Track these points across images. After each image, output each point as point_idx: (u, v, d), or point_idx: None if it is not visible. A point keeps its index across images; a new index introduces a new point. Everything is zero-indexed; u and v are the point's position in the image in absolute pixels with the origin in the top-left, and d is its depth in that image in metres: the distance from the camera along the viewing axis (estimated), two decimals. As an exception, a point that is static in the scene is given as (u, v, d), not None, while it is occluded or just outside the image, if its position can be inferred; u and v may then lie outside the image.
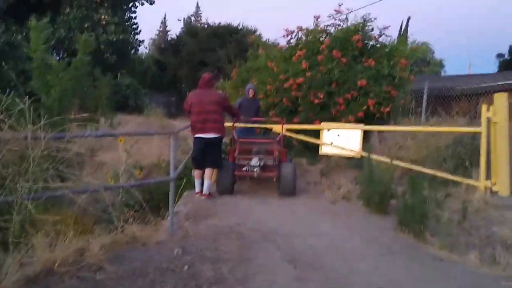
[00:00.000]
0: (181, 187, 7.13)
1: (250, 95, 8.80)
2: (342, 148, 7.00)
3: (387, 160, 6.19)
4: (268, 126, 7.58)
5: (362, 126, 7.05)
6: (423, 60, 24.28)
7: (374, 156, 6.31)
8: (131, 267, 3.68)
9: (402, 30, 20.89)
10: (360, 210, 5.93)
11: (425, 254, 4.27)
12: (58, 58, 21.17)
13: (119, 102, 20.81)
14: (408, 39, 20.41)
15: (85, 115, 13.22)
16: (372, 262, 4.05)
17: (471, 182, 6.42)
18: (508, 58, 33.95)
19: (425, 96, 8.86)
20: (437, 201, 4.98)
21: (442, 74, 28.13)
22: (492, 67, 38.97)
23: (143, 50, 42.13)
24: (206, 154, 6.51)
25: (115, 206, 6.87)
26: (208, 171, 6.53)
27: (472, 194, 6.37)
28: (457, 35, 66.30)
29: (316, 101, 9.21)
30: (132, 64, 26.15)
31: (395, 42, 11.23)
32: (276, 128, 7.53)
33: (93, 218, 5.37)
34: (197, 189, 6.67)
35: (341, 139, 7.04)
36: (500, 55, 35.43)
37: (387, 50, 9.76)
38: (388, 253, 4.29)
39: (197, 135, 6.49)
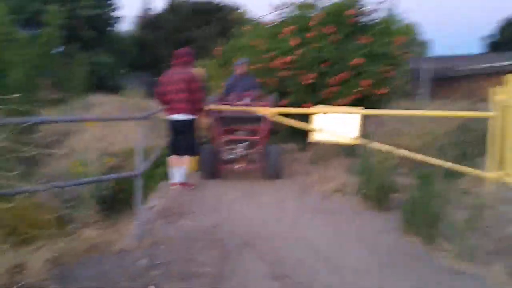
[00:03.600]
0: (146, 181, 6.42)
1: (238, 72, 7.68)
2: (337, 135, 6.27)
3: (389, 148, 5.48)
4: (253, 109, 6.79)
5: (362, 110, 6.30)
6: (411, 40, 23.61)
7: (375, 144, 5.61)
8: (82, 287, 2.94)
9: (391, 10, 20.05)
10: (356, 206, 5.24)
11: (438, 265, 3.60)
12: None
13: (96, 82, 19.73)
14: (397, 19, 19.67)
15: (52, 96, 12.30)
16: (373, 277, 3.37)
17: (479, 173, 5.77)
18: (497, 39, 33.52)
19: (425, 77, 8.14)
20: (449, 198, 4.31)
21: (428, 55, 27.51)
22: (475, 49, 38.63)
23: (125, 27, 40.57)
24: (180, 138, 5.89)
25: (78, 201, 6.12)
26: (182, 158, 5.92)
27: (478, 187, 5.74)
28: (441, 16, 65.76)
29: (306, 82, 8.47)
30: (112, 42, 24.88)
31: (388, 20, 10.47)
32: (263, 111, 6.75)
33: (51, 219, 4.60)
34: (172, 180, 5.93)
35: (336, 124, 6.30)
36: (487, 37, 35.04)
37: (382, 26, 9.02)
38: (393, 263, 3.62)
39: (168, 117, 5.87)
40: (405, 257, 3.74)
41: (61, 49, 18.62)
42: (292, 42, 8.79)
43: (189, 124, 5.82)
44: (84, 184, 4.11)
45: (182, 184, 5.92)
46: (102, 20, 22.76)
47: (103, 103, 14.23)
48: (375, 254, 3.80)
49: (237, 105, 6.84)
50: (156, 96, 6.03)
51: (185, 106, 5.71)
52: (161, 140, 7.93)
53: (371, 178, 5.17)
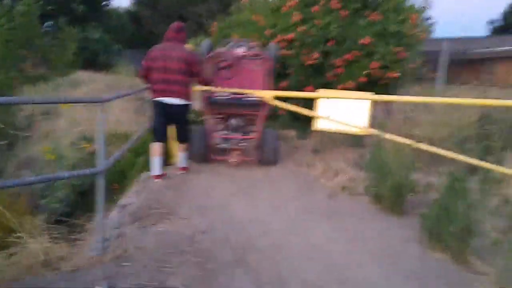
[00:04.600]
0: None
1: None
2: (344, 123, 5.50)
3: (406, 141, 4.71)
4: (251, 92, 6.03)
5: (372, 95, 5.51)
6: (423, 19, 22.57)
7: (389, 135, 4.84)
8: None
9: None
10: (368, 207, 4.50)
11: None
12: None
13: (87, 58, 18.82)
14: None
15: (37, 72, 11.46)
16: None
17: (506, 170, 5.01)
18: (503, 23, 32.86)
19: (443, 59, 7.31)
20: (484, 204, 3.57)
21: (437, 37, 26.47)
22: (482, 32, 37.83)
23: (120, 3, 39.36)
24: (170, 123, 5.23)
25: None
26: (182, 144, 5.42)
27: (504, 187, 4.98)
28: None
29: (309, 62, 7.67)
30: (106, 18, 23.76)
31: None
32: (260, 94, 5.98)
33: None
34: (154, 171, 5.19)
35: (342, 111, 5.53)
36: (492, 22, 34.33)
37: (395, 2, 8.15)
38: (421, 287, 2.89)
39: (157, 99, 5.01)
40: (432, 279, 3.01)
41: (49, 23, 17.67)
42: (295, 18, 7.97)
43: (185, 109, 5.14)
44: (29, 184, 3.29)
45: (183, 168, 5.52)
46: (95, -6, 21.69)
47: (91, 81, 13.41)
48: (397, 272, 3.06)
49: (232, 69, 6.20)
50: (141, 73, 5.18)
51: (182, 90, 4.99)
52: (144, 124, 7.18)
53: (384, 175, 4.42)
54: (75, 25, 18.79)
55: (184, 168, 5.55)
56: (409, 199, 4.39)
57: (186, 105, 5.09)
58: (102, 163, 3.01)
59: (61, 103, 4.68)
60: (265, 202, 4.49)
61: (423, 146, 4.79)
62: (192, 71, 5.04)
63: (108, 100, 3.30)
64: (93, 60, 19.08)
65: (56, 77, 12.21)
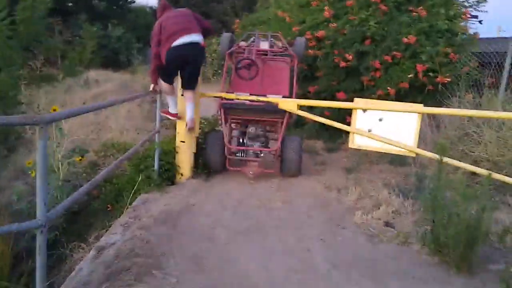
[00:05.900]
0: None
1: None
2: (386, 141, 4.40)
3: (474, 168, 3.59)
4: (272, 99, 5.06)
5: (421, 108, 4.39)
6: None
7: (451, 161, 3.72)
8: None
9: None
10: (421, 259, 3.37)
11: None
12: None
13: (107, 57, 18.13)
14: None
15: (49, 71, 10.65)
16: None
17: None
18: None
19: (508, 60, 6.08)
20: None
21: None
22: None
23: (144, 1, 38.92)
24: (184, 67, 4.82)
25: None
26: (189, 92, 4.95)
27: None
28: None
29: (342, 64, 6.60)
30: (129, 15, 23.07)
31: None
32: (284, 104, 5.01)
33: None
34: (172, 110, 5.11)
35: (385, 125, 4.44)
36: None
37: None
38: None
39: (177, 41, 4.59)
40: None
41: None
42: (326, 13, 6.92)
43: (202, 51, 4.93)
44: None
45: (189, 122, 5.00)
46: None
47: (106, 80, 12.68)
48: None
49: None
50: None
51: (198, 28, 4.91)
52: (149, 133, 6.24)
53: (444, 215, 3.30)
54: (96, 22, 18.17)
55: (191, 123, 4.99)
56: (479, 249, 3.26)
57: (203, 47, 4.91)
58: (43, 214, 2.02)
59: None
60: (283, 248, 3.43)
61: (498, 177, 3.65)
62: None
63: (51, 122, 2.31)
64: (113, 58, 18.36)
65: (67, 76, 11.45)
